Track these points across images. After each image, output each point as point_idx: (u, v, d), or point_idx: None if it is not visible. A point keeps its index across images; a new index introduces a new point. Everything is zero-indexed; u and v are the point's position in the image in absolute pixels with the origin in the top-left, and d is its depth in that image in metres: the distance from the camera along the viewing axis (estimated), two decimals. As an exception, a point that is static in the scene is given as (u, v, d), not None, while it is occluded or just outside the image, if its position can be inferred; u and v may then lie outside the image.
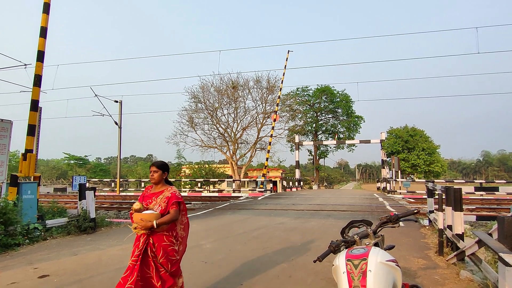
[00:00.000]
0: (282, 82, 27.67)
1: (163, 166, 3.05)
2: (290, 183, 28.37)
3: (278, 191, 23.53)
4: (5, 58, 14.59)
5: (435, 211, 7.97)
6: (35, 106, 8.16)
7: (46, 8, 8.52)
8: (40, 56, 8.31)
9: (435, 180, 24.38)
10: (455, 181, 27.51)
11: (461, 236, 4.79)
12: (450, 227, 5.20)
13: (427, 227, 7.82)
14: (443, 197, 5.53)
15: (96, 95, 23.30)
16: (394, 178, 25.06)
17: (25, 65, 14.21)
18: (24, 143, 8.06)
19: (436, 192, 6.82)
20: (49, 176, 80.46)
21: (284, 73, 27.21)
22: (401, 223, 2.35)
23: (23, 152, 8.04)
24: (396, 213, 2.33)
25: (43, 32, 8.40)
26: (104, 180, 37.86)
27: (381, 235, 2.28)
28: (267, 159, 27.60)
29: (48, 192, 29.72)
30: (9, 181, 7.59)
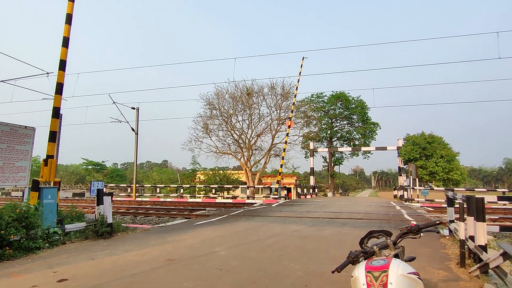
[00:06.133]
0: (296, 89, 27.66)
1: None
2: (305, 190, 28.13)
3: (292, 198, 23.37)
4: (28, 66, 15.16)
5: (455, 220, 7.73)
6: (56, 113, 8.41)
7: (69, 19, 8.82)
8: (62, 65, 8.59)
9: (455, 189, 23.69)
10: (476, 189, 26.65)
11: (484, 248, 4.61)
12: (472, 238, 5.02)
13: (447, 237, 7.59)
14: (464, 206, 5.36)
15: (114, 102, 23.92)
16: (411, 186, 24.53)
17: (47, 73, 14.73)
18: (44, 149, 8.30)
19: (457, 201, 6.61)
20: (68, 180, 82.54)
21: (298, 80, 27.20)
22: (421, 234, 2.28)
23: (44, 157, 8.28)
24: (417, 223, 2.27)
25: (65, 42, 8.69)
26: (120, 185, 38.53)
27: (401, 246, 2.22)
28: (281, 166, 27.49)
29: (66, 197, 30.45)
30: (30, 186, 7.83)
